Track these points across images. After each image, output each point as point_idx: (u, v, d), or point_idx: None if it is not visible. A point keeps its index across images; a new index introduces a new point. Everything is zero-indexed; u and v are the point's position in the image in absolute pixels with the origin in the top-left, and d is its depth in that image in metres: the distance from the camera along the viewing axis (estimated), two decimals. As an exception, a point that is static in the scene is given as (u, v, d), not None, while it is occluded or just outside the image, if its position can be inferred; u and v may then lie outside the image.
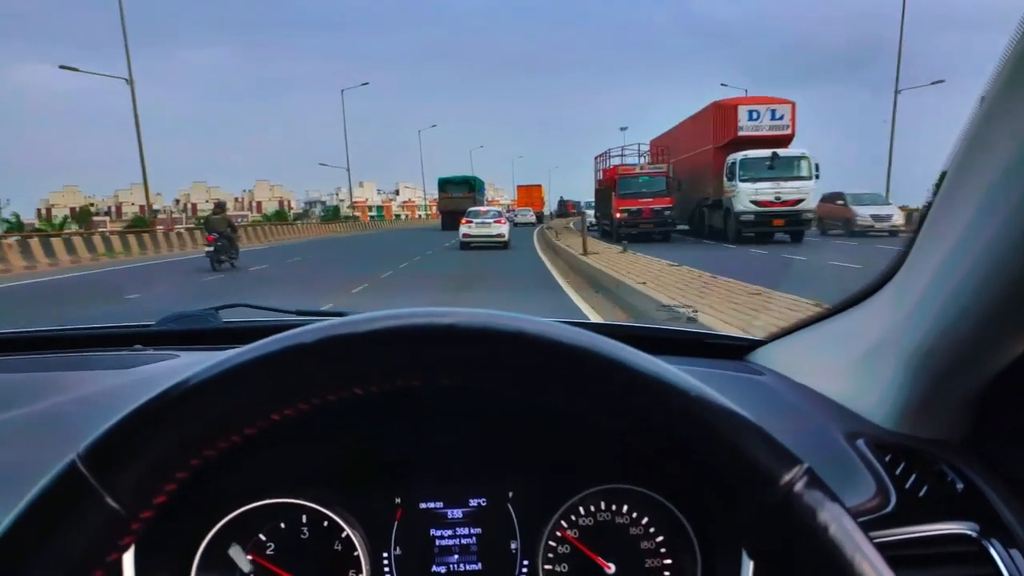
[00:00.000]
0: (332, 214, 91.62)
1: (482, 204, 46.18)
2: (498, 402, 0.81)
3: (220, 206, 15.95)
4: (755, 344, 1.10)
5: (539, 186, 68.12)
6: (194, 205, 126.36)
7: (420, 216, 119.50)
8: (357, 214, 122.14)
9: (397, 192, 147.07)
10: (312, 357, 0.37)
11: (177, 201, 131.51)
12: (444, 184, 46.91)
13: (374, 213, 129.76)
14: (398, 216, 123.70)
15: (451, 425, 0.84)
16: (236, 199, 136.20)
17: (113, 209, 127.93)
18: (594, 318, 6.72)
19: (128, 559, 0.67)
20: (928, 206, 0.70)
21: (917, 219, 0.74)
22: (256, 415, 0.37)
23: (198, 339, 1.20)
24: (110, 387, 0.89)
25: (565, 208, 72.71)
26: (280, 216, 70.78)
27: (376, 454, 0.84)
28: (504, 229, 22.15)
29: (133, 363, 1.02)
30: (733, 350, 1.11)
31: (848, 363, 0.87)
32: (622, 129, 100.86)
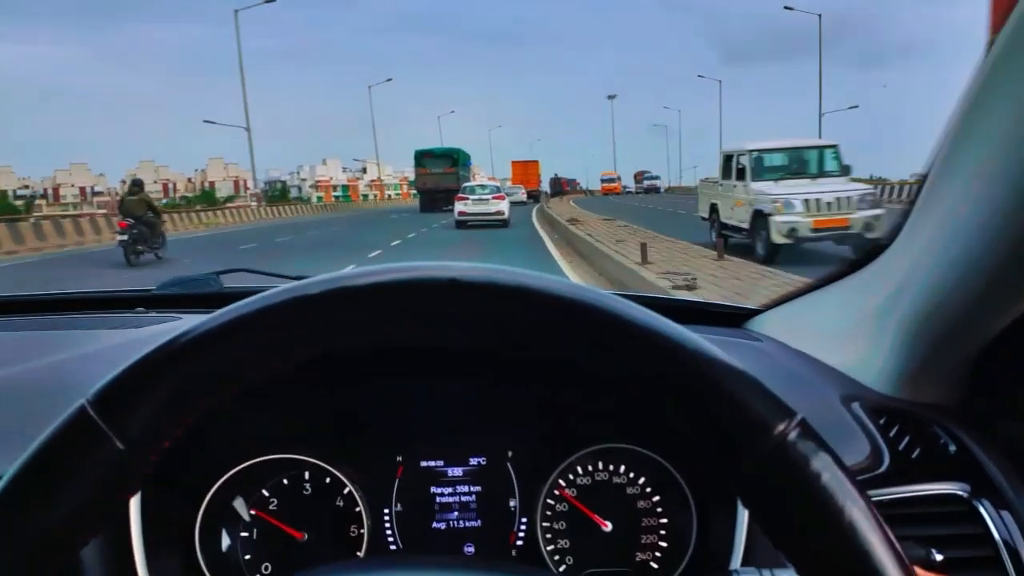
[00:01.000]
0: (279, 194, 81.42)
1: (467, 180, 39.11)
2: (498, 362, 0.82)
3: (136, 184, 13.60)
4: (753, 312, 1.12)
5: (535, 162, 62.27)
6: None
7: (390, 196, 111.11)
8: (319, 194, 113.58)
9: (364, 170, 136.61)
10: (316, 307, 0.38)
11: (123, 182, 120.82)
12: (422, 157, 39.32)
13: (339, 193, 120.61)
14: (365, 196, 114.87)
15: (451, 385, 0.85)
16: (188, 180, 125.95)
17: (50, 192, 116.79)
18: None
19: (135, 510, 0.69)
20: (926, 174, 0.71)
21: (915, 188, 0.75)
22: (260, 364, 0.38)
23: (200, 302, 1.21)
24: (115, 344, 0.90)
25: (560, 186, 66.48)
26: (206, 198, 57.93)
27: (378, 412, 0.85)
28: (503, 206, 20.87)
29: (135, 324, 1.03)
30: (732, 318, 1.13)
31: (845, 330, 0.89)
32: (610, 98, 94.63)
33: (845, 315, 0.90)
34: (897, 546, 0.35)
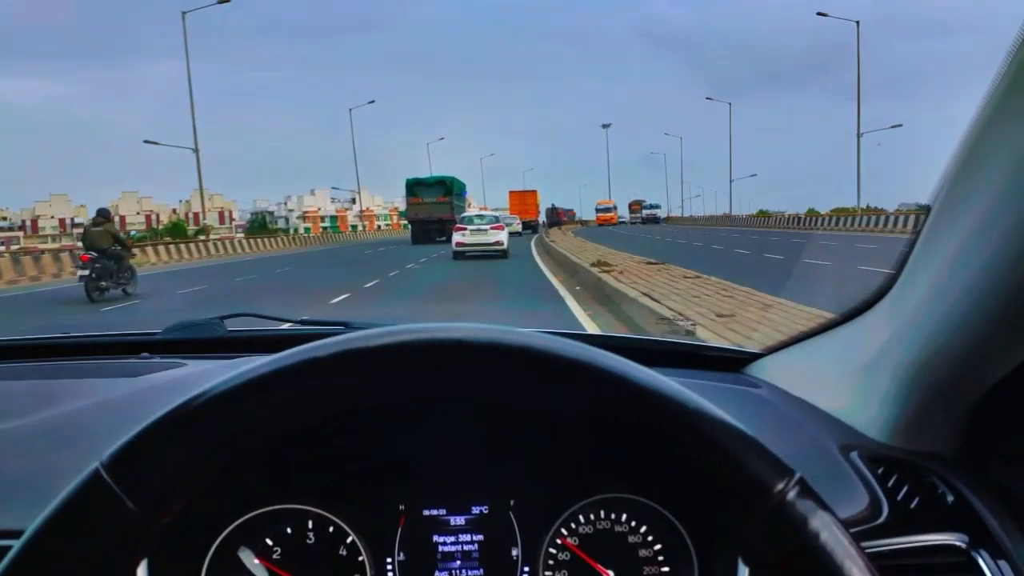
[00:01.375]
0: (258, 225, 77.84)
1: (462, 211, 36.82)
2: (501, 412, 0.82)
3: (102, 214, 12.67)
4: (753, 356, 1.12)
5: (534, 192, 59.56)
6: (123, 218, 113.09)
7: (379, 227, 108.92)
8: (306, 225, 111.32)
9: (354, 200, 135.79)
10: (326, 370, 0.38)
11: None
12: (414, 187, 37.18)
13: (327, 224, 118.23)
14: (354, 227, 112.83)
15: (454, 433, 0.85)
16: (173, 211, 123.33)
17: (28, 223, 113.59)
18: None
19: (142, 561, 0.69)
20: (924, 218, 0.71)
21: (914, 231, 0.75)
22: (271, 426, 0.38)
23: (204, 347, 1.21)
24: (122, 394, 0.91)
25: (557, 216, 64.49)
26: (176, 230, 54.58)
27: (380, 461, 0.86)
28: (502, 236, 20.44)
29: (142, 371, 1.03)
30: (730, 362, 1.14)
31: (844, 376, 0.89)
32: (604, 127, 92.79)
33: (844, 362, 0.90)
34: None
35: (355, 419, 0.80)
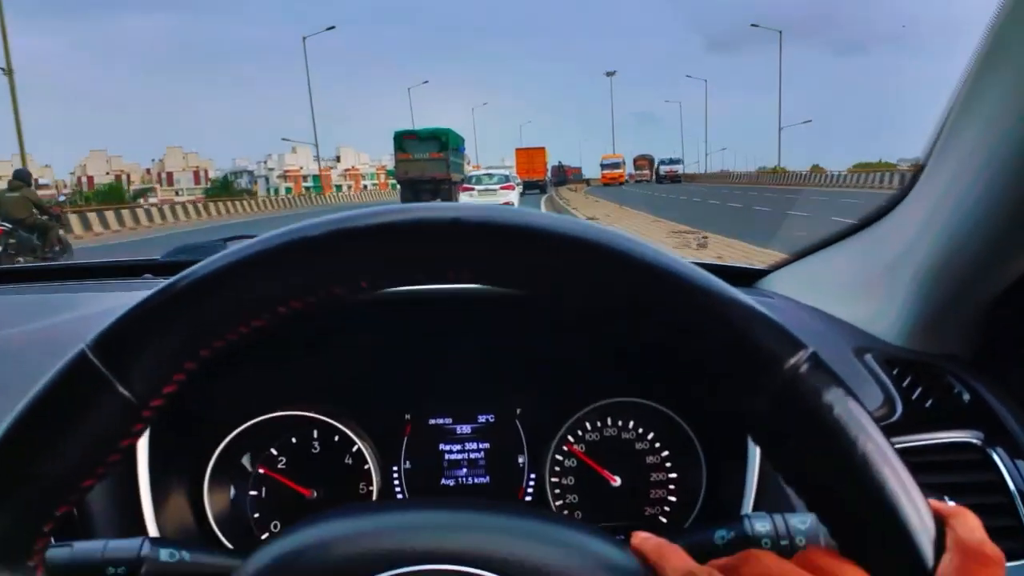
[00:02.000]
0: (220, 187, 65.81)
1: (460, 169, 31.00)
2: (504, 318, 0.83)
3: (19, 176, 10.05)
4: (762, 273, 1.12)
5: (542, 149, 52.99)
6: (91, 178, 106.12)
7: (366, 187, 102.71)
8: (288, 185, 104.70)
9: (338, 158, 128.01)
10: (317, 248, 0.37)
11: (72, 174, 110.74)
12: (403, 141, 31.68)
13: (310, 183, 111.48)
14: (339, 187, 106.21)
15: (459, 342, 0.86)
16: (147, 171, 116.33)
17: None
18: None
19: (143, 462, 0.69)
20: (938, 131, 0.71)
21: (928, 144, 0.75)
22: (263, 306, 0.37)
23: None
24: (121, 304, 0.88)
25: (564, 174, 59.60)
26: (112, 193, 44.29)
27: (386, 370, 0.86)
28: (513, 197, 19.46)
29: (144, 288, 1.05)
30: (742, 277, 1.13)
31: (857, 285, 0.89)
32: (608, 75, 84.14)
33: (857, 270, 0.90)
34: (910, 477, 0.35)
35: (359, 326, 0.81)
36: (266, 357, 0.78)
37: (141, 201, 30.10)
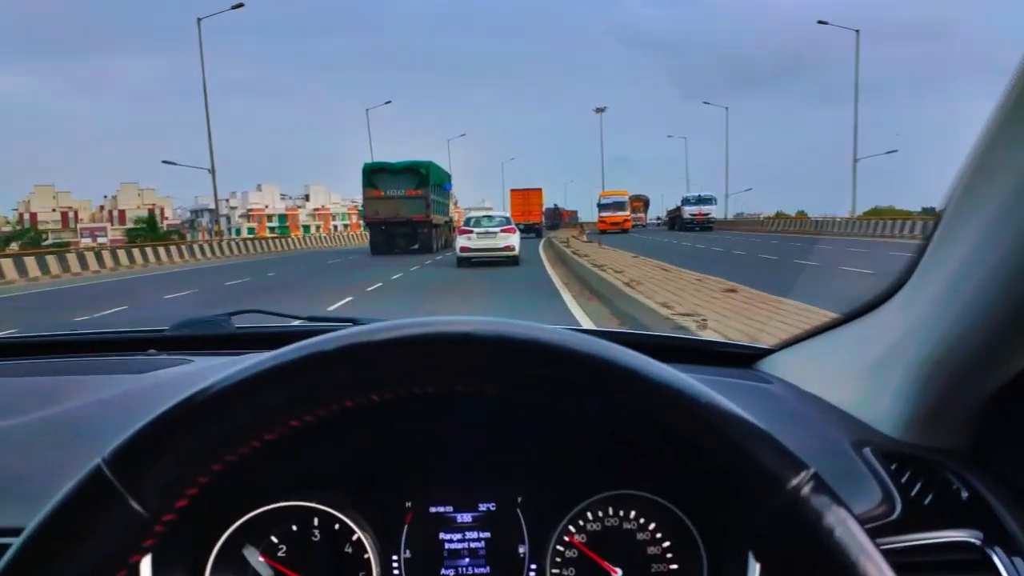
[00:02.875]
0: (146, 229, 56.44)
1: (445, 210, 25.12)
2: (508, 408, 0.83)
3: None
4: (764, 352, 1.11)
5: (538, 191, 48.10)
6: (33, 215, 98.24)
7: (336, 227, 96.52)
8: (251, 225, 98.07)
9: (307, 197, 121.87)
10: (331, 364, 0.38)
11: (15, 211, 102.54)
12: (373, 175, 26.02)
13: (275, 224, 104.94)
14: (307, 228, 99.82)
15: (461, 430, 0.85)
16: (100, 208, 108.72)
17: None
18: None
19: (146, 559, 0.68)
20: (940, 215, 0.72)
21: (929, 227, 0.75)
22: (275, 421, 0.38)
23: (211, 344, 1.21)
24: (127, 391, 0.91)
25: (559, 217, 54.48)
26: (23, 236, 36.03)
27: (386, 458, 0.85)
28: (514, 240, 17.98)
29: (148, 367, 1.03)
30: (741, 358, 1.13)
31: (856, 372, 0.89)
32: (598, 111, 73.59)
33: (857, 357, 0.90)
34: None
35: (361, 416, 0.80)
36: (268, 449, 0.76)
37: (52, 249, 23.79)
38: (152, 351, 1.16)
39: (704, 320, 5.89)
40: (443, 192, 29.74)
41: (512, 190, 48.24)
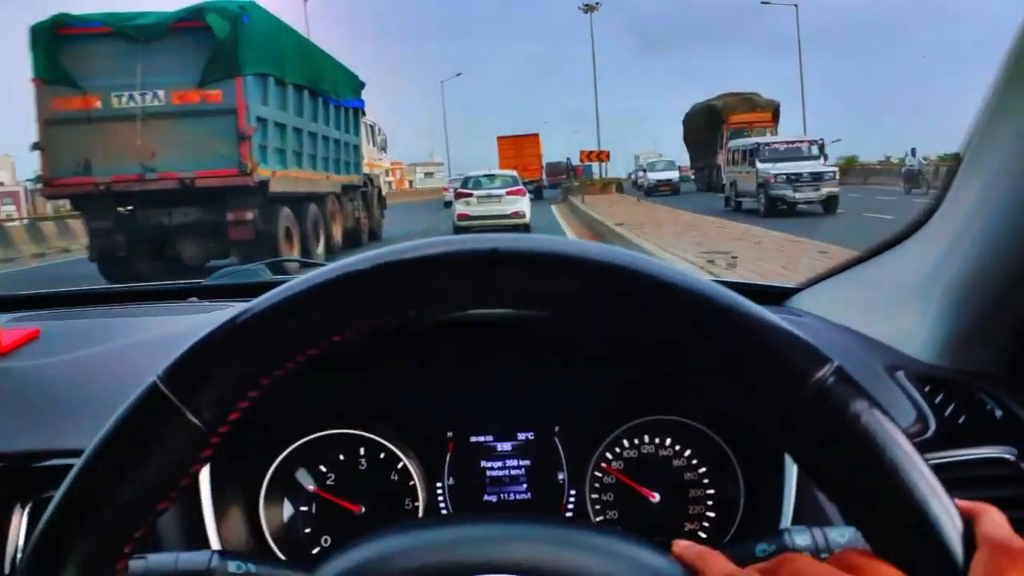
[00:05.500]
0: None
1: (353, 158, 13.97)
2: (544, 339, 0.86)
3: None
4: (791, 291, 1.12)
5: (534, 136, 36.97)
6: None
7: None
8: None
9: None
10: (366, 282, 0.39)
11: None
12: (61, 42, 6.66)
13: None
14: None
15: (500, 362, 0.88)
16: None
17: None
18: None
19: (205, 483, 0.73)
20: (968, 142, 0.73)
21: (959, 156, 0.76)
22: (317, 337, 0.39)
23: (250, 292, 1.25)
24: (176, 330, 0.95)
25: (573, 174, 38.72)
26: None
27: (430, 391, 0.88)
28: (523, 205, 15.09)
29: (193, 311, 1.10)
30: (770, 296, 1.14)
31: (888, 302, 0.90)
32: (587, 9, 48.00)
33: (888, 288, 0.91)
34: (937, 480, 0.37)
35: (403, 348, 0.84)
36: (317, 379, 0.80)
37: None
38: (193, 299, 1.21)
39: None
40: (342, 112, 12.81)
41: (500, 138, 36.83)
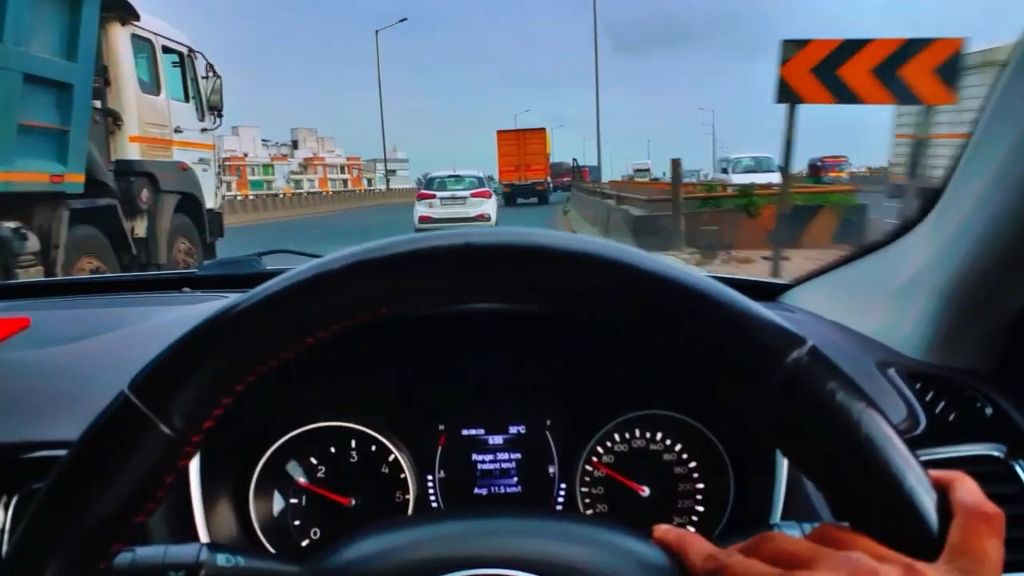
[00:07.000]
0: None
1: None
2: (534, 334, 0.86)
3: None
4: (783, 288, 1.13)
5: (541, 131, 32.46)
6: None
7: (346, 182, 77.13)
8: (232, 177, 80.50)
9: (295, 144, 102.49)
10: (338, 282, 0.39)
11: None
12: None
13: (256, 177, 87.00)
14: (298, 183, 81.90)
15: (490, 356, 0.88)
16: None
17: None
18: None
19: (194, 476, 0.72)
20: (964, 145, 0.74)
21: (953, 158, 0.76)
22: (289, 340, 0.39)
23: (243, 282, 1.25)
24: (165, 321, 0.94)
25: (581, 177, 37.40)
26: None
27: (420, 382, 0.88)
28: (488, 207, 15.12)
29: (184, 302, 1.08)
30: (763, 292, 1.14)
31: (878, 299, 0.91)
32: None
33: (878, 285, 0.92)
34: (911, 453, 0.38)
35: (394, 341, 0.84)
36: (306, 372, 0.81)
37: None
38: (186, 289, 1.21)
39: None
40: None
41: (500, 132, 31.78)
